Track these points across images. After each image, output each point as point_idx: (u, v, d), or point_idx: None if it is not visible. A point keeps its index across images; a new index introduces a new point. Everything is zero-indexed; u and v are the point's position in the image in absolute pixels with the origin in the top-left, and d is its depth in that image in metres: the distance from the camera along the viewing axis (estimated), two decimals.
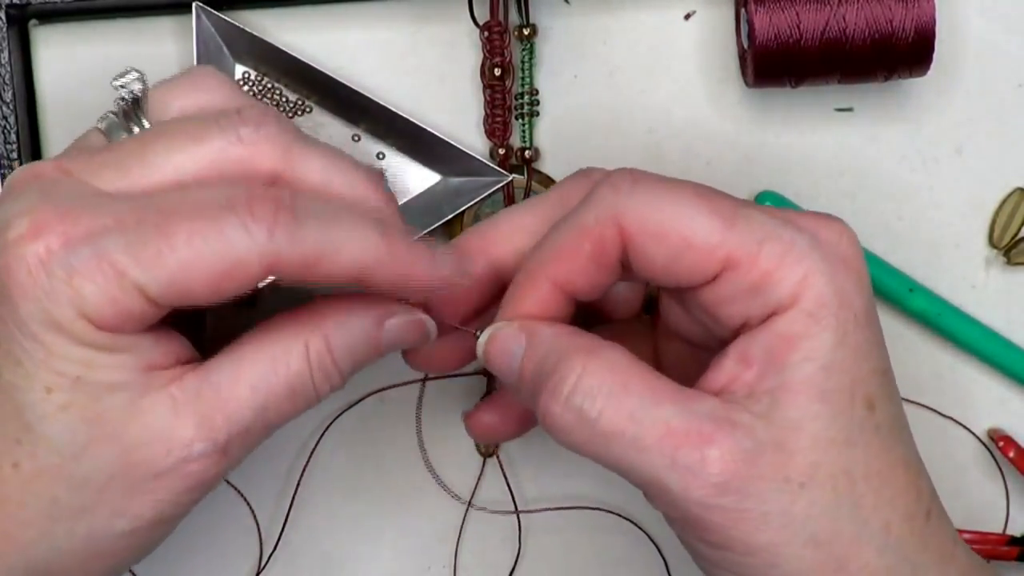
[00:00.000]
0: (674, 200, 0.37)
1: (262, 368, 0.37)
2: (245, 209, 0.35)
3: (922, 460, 0.40)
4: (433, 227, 0.49)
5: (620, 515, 0.51)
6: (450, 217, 0.49)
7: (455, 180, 0.50)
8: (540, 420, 0.38)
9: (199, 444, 0.36)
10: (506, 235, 0.42)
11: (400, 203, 0.50)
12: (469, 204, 0.49)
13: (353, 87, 0.49)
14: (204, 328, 0.45)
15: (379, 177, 0.40)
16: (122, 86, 0.39)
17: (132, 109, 0.39)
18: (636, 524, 0.51)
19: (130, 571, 0.51)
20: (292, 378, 0.37)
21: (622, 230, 0.37)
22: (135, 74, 0.39)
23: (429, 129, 0.49)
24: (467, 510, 0.52)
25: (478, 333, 0.40)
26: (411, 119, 0.49)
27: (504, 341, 0.39)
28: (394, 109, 0.49)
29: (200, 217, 0.35)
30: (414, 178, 0.50)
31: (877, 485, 0.37)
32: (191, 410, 0.36)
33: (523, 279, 0.40)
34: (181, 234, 0.34)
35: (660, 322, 0.44)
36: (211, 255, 0.35)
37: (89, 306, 0.34)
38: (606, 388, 0.36)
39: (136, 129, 0.39)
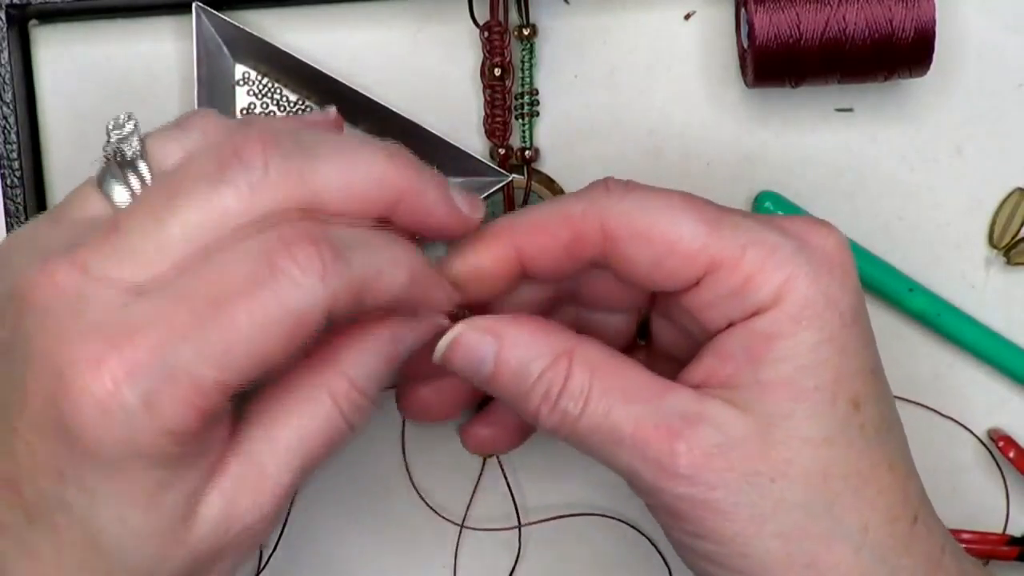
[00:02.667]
0: (660, 204, 0.38)
1: (295, 431, 0.37)
2: (289, 262, 0.33)
3: (914, 464, 0.40)
4: None
5: (620, 519, 0.51)
6: None
7: (455, 180, 0.50)
8: (529, 419, 0.38)
9: (250, 517, 0.36)
10: (537, 225, 0.40)
11: None
12: None
13: (353, 87, 0.49)
14: None
15: (396, 154, 0.37)
16: (120, 140, 0.36)
17: (129, 159, 0.36)
18: (637, 529, 0.51)
19: None
20: (326, 428, 0.37)
21: (606, 231, 0.38)
22: (132, 124, 0.36)
23: (429, 129, 0.49)
24: (467, 511, 0.52)
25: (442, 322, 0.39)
26: (411, 119, 0.49)
27: (470, 344, 0.39)
28: (394, 109, 0.49)
29: (250, 287, 0.33)
30: None
31: (856, 485, 0.37)
32: (241, 496, 0.36)
33: (487, 233, 0.39)
34: (240, 314, 0.33)
35: (653, 347, 0.44)
36: (275, 324, 0.33)
37: (171, 423, 0.33)
38: (587, 388, 0.37)
39: (134, 180, 0.36)
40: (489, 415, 0.44)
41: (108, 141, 0.36)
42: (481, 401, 0.46)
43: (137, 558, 0.35)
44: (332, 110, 0.42)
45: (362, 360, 0.37)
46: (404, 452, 0.52)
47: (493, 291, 0.40)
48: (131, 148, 0.36)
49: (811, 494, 0.37)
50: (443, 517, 0.51)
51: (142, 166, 0.36)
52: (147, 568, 0.35)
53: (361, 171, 0.36)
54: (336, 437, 0.37)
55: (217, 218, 0.34)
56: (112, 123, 0.36)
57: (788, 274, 0.37)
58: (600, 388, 0.37)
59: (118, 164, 0.36)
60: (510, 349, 0.38)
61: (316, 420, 0.37)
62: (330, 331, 0.37)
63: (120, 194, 0.36)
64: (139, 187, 0.36)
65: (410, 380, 0.44)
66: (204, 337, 0.33)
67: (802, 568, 0.37)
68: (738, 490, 0.36)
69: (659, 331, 0.43)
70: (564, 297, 0.43)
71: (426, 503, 0.51)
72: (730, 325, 0.38)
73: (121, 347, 0.32)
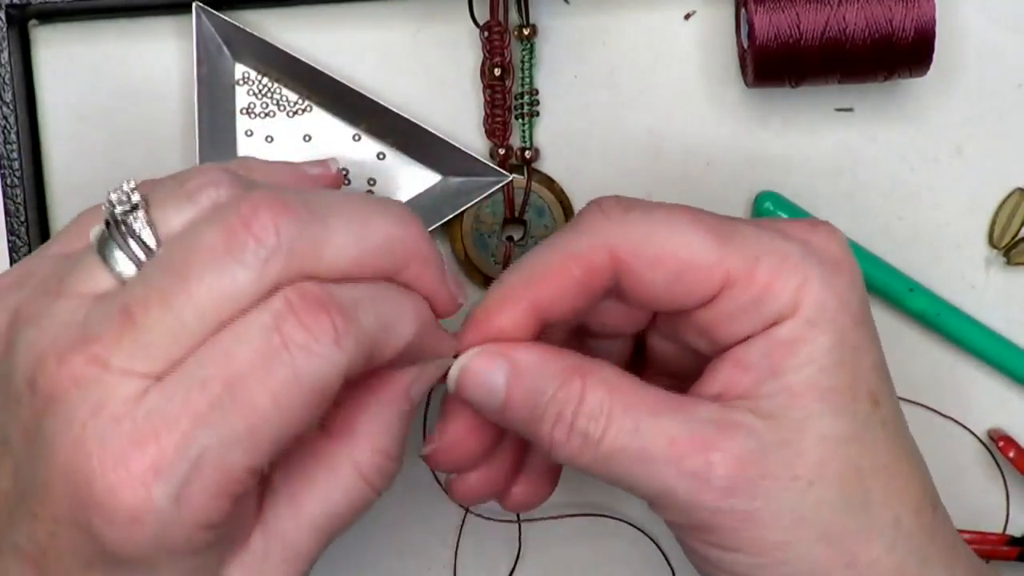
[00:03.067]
0: (667, 224, 0.37)
1: (319, 504, 0.36)
2: (300, 331, 0.32)
3: (921, 455, 0.40)
4: (434, 227, 0.49)
5: (621, 519, 0.51)
6: (450, 217, 0.49)
7: (455, 180, 0.50)
8: (544, 447, 0.37)
9: None
10: (552, 270, 0.39)
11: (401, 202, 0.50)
12: (469, 204, 0.49)
13: (353, 87, 0.49)
14: None
15: (407, 220, 0.36)
16: (125, 211, 0.34)
17: (134, 230, 0.34)
18: (637, 528, 0.51)
19: None
20: (351, 498, 0.37)
21: (615, 258, 0.37)
22: (136, 194, 0.34)
23: (429, 129, 0.49)
24: (467, 511, 0.52)
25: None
26: (411, 119, 0.49)
27: (482, 372, 0.38)
28: (394, 109, 0.49)
29: (264, 364, 0.32)
30: (414, 178, 0.50)
31: (885, 479, 0.37)
32: (263, 567, 0.36)
33: (500, 297, 0.38)
34: (258, 394, 0.32)
35: (647, 364, 0.43)
36: (294, 397, 0.32)
37: (203, 516, 0.32)
38: (607, 407, 0.36)
39: (136, 248, 0.34)
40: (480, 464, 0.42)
41: (110, 207, 0.34)
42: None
43: None
44: (333, 165, 0.42)
45: (382, 424, 0.37)
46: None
47: None
48: (136, 221, 0.34)
49: (847, 493, 0.36)
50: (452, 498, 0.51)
51: (148, 236, 0.34)
52: None
53: (373, 238, 0.34)
54: (361, 504, 0.37)
55: (230, 298, 0.32)
56: (115, 193, 0.34)
57: (801, 280, 0.36)
58: (622, 405, 0.36)
59: (120, 234, 0.34)
60: (521, 373, 0.38)
61: (341, 492, 0.36)
62: (346, 393, 0.36)
63: (124, 264, 0.34)
64: (143, 255, 0.34)
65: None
66: (226, 423, 0.32)
67: (842, 568, 0.36)
68: (777, 497, 0.36)
69: (656, 350, 0.42)
70: (569, 332, 0.42)
71: (444, 482, 0.51)
72: (748, 337, 0.37)
73: (145, 446, 0.31)
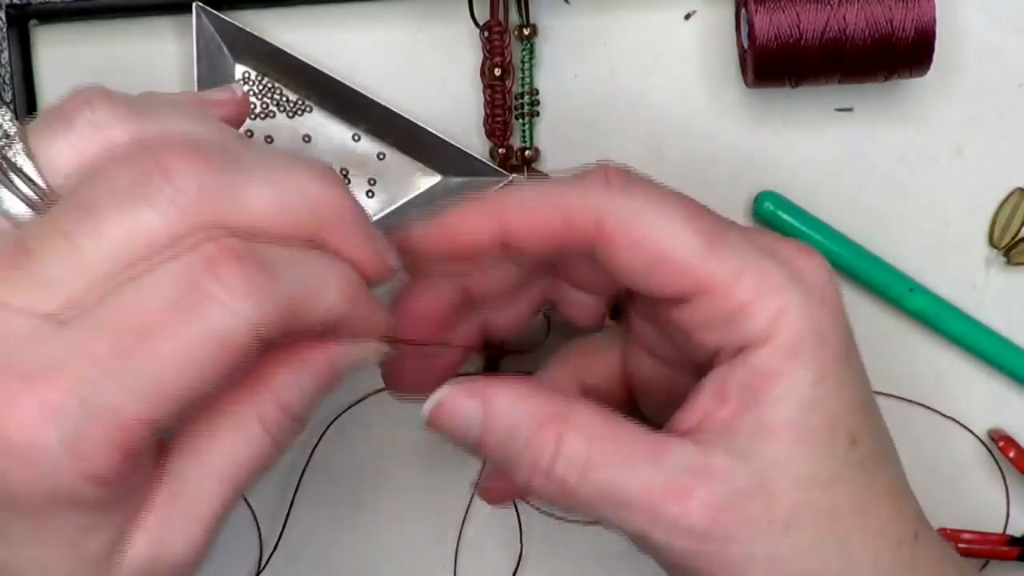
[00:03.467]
0: (661, 212, 0.37)
1: (224, 458, 0.34)
2: (214, 283, 0.31)
3: (907, 482, 0.39)
4: None
5: None
6: None
7: (455, 180, 0.50)
8: (520, 488, 0.37)
9: (180, 552, 0.34)
10: (527, 204, 0.38)
11: (400, 203, 0.50)
12: None
13: (353, 87, 0.49)
14: None
15: (328, 175, 0.34)
16: (2, 141, 0.33)
17: (15, 163, 0.33)
18: None
19: None
20: (256, 453, 0.35)
21: (600, 228, 0.37)
22: (11, 123, 0.33)
23: (429, 129, 0.49)
24: (467, 511, 0.52)
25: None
26: (411, 119, 0.49)
27: (455, 409, 0.37)
28: (394, 109, 0.49)
29: (174, 314, 0.31)
30: (414, 178, 0.50)
31: (863, 519, 0.37)
32: (169, 532, 0.34)
33: (475, 205, 0.37)
34: (164, 344, 0.30)
35: (630, 335, 0.43)
36: (202, 351, 0.31)
37: (95, 466, 0.31)
38: (584, 455, 0.36)
39: (22, 185, 0.33)
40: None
41: None
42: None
43: None
44: (238, 89, 0.39)
45: (295, 386, 0.35)
46: (404, 452, 0.52)
47: (467, 260, 0.38)
48: (14, 151, 0.33)
49: (824, 535, 0.36)
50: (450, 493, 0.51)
51: (30, 169, 0.33)
52: None
53: (293, 192, 0.33)
54: (266, 461, 0.35)
55: (138, 240, 0.31)
56: None
57: (781, 305, 0.36)
58: (600, 454, 0.36)
59: (3, 171, 0.33)
60: (497, 415, 0.37)
61: (246, 446, 0.34)
62: (261, 352, 0.34)
63: (13, 204, 0.33)
64: (31, 193, 0.33)
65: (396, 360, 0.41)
66: (127, 371, 0.30)
67: None
68: (753, 542, 0.35)
69: (638, 325, 0.42)
70: (539, 270, 0.42)
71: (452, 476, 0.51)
72: (719, 350, 0.37)
73: (38, 386, 0.30)
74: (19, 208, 0.33)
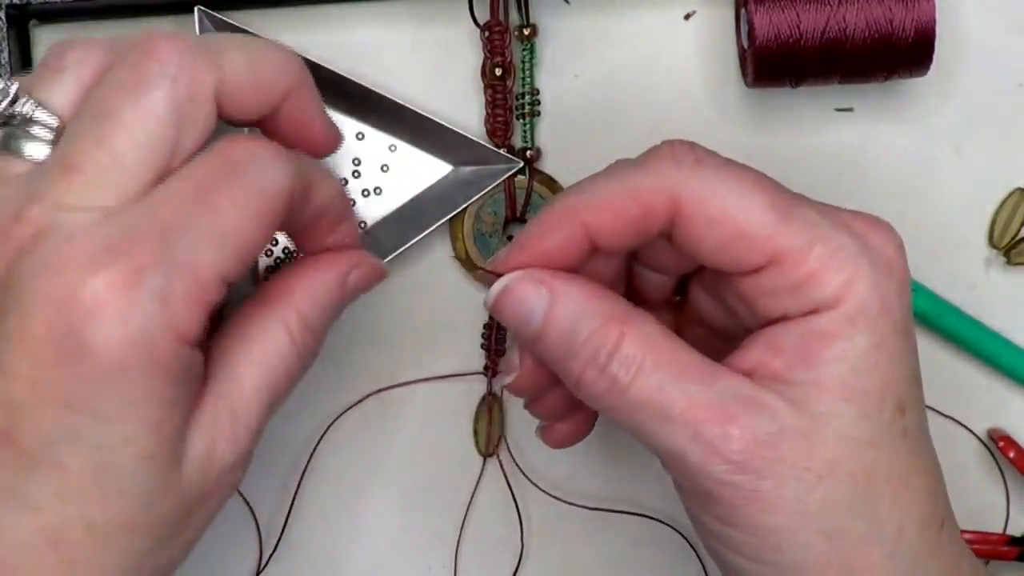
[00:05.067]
0: (734, 187, 0.37)
1: (258, 366, 0.38)
2: (247, 152, 0.36)
3: (941, 469, 0.39)
4: (447, 218, 0.49)
5: (631, 513, 0.52)
6: (464, 207, 0.49)
7: (466, 169, 0.50)
8: (571, 382, 0.38)
9: (231, 456, 0.37)
10: (608, 200, 0.39)
11: (413, 196, 0.50)
12: (481, 193, 0.49)
13: (356, 80, 0.49)
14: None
15: (285, 48, 0.40)
16: (9, 103, 0.36)
17: (28, 117, 0.37)
18: (655, 519, 0.51)
19: None
20: (285, 362, 0.39)
21: (676, 206, 0.37)
22: (12, 85, 0.37)
23: (436, 119, 0.49)
24: (467, 510, 0.52)
25: (485, 268, 0.39)
26: (418, 110, 0.49)
27: (523, 295, 0.38)
28: (401, 102, 0.49)
29: (223, 179, 0.36)
30: (425, 169, 0.50)
31: (897, 489, 0.37)
32: (219, 434, 0.37)
33: (554, 215, 0.38)
34: (222, 202, 0.35)
35: (687, 307, 0.44)
36: (253, 205, 0.36)
37: (185, 322, 0.34)
38: (640, 358, 0.37)
39: (40, 131, 0.37)
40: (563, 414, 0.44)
41: (6, 114, 0.37)
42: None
43: (139, 490, 0.35)
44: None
45: (313, 296, 0.39)
46: (404, 452, 0.52)
47: (566, 270, 0.39)
48: (23, 107, 0.37)
49: (855, 495, 0.36)
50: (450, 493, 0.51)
51: (41, 115, 0.37)
52: (145, 502, 0.35)
53: (262, 57, 0.38)
54: (293, 370, 0.39)
55: (155, 119, 0.35)
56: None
57: (850, 275, 0.36)
58: (653, 360, 0.37)
59: (16, 126, 0.37)
60: (562, 306, 0.38)
61: (274, 353, 0.38)
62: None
63: (36, 149, 0.37)
64: (50, 136, 0.37)
65: (548, 420, 0.44)
66: (198, 228, 0.34)
67: (838, 568, 0.36)
68: (786, 483, 0.36)
69: (697, 296, 0.43)
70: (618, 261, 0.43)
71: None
72: (783, 317, 0.37)
73: (124, 252, 0.33)
74: (43, 151, 0.37)
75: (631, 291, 0.43)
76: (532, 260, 0.39)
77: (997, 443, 0.51)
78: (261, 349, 0.38)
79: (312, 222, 0.40)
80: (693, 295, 0.43)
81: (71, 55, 0.38)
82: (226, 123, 0.38)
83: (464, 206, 0.49)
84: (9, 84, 0.37)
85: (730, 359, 0.38)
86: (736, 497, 0.36)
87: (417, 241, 0.49)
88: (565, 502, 0.51)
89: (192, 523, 0.37)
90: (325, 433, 0.51)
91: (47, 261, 0.34)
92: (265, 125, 0.40)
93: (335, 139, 0.42)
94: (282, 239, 0.50)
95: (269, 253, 0.50)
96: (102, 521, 0.35)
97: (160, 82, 0.36)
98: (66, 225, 0.34)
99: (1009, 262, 0.51)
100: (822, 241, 0.37)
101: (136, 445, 0.34)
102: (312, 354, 0.40)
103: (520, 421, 0.51)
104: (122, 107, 0.35)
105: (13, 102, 0.36)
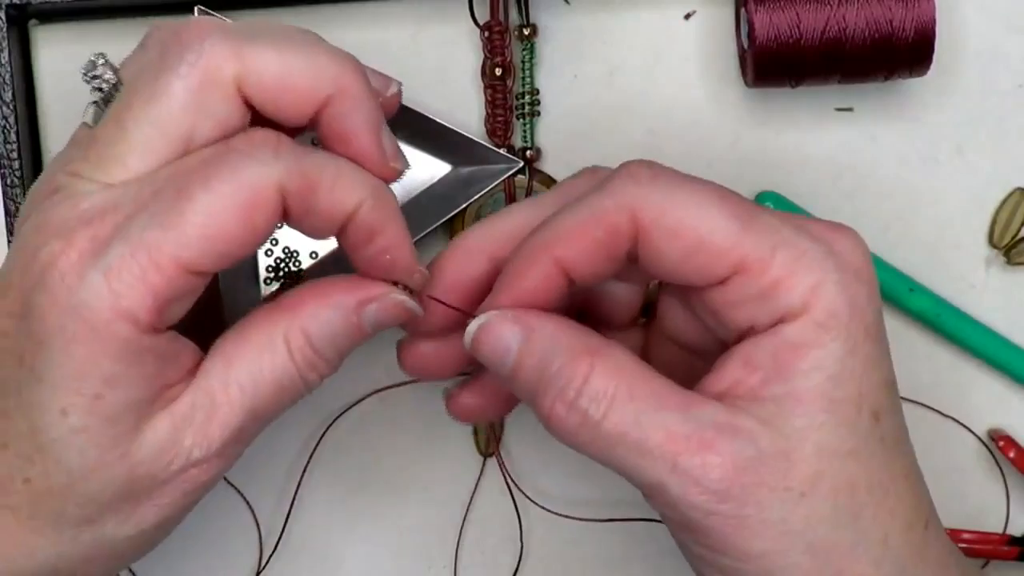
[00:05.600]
0: (693, 198, 0.37)
1: (248, 367, 0.37)
2: (246, 142, 0.36)
3: (920, 470, 0.39)
4: (446, 218, 0.49)
5: (632, 519, 0.52)
6: (464, 207, 0.49)
7: (465, 169, 0.50)
8: (542, 419, 0.37)
9: (197, 452, 0.37)
10: (508, 233, 0.41)
11: (413, 195, 0.50)
12: (481, 193, 0.49)
13: None
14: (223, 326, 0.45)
15: (340, 54, 0.38)
16: (94, 76, 0.38)
17: (112, 95, 0.38)
18: (648, 520, 0.52)
19: (131, 571, 0.51)
20: (278, 373, 0.38)
21: (637, 222, 0.37)
22: (103, 61, 0.38)
23: (436, 119, 0.49)
24: (467, 510, 0.52)
25: (470, 320, 0.39)
26: (418, 110, 0.49)
27: (498, 333, 0.38)
28: (401, 101, 0.49)
29: (207, 165, 0.35)
30: (425, 169, 0.50)
31: (879, 496, 0.37)
32: (188, 423, 0.37)
33: (525, 256, 0.39)
34: (196, 185, 0.35)
35: (655, 326, 0.43)
36: (230, 194, 0.35)
37: (129, 302, 0.34)
38: (611, 391, 0.36)
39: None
40: (476, 383, 0.43)
41: (88, 83, 0.38)
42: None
43: (75, 459, 0.36)
44: (396, 86, 0.42)
45: (321, 316, 0.38)
46: (404, 452, 0.52)
47: (546, 308, 0.39)
48: (106, 82, 0.38)
49: (839, 507, 0.36)
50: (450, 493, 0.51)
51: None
52: (83, 472, 0.36)
53: (298, 56, 0.37)
54: (288, 387, 0.38)
55: (168, 101, 0.36)
56: (84, 68, 0.38)
57: (816, 280, 0.36)
58: (627, 392, 0.36)
59: (103, 100, 0.38)
60: (535, 342, 0.38)
61: (270, 364, 0.38)
62: (298, 289, 0.39)
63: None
64: None
65: (413, 336, 0.43)
66: (162, 208, 0.35)
67: None
68: (769, 506, 0.36)
69: (667, 314, 0.42)
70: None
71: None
72: (752, 327, 0.37)
73: (90, 223, 0.35)
74: None
75: (597, 315, 0.43)
76: (512, 304, 0.39)
77: (997, 443, 0.51)
78: (255, 355, 0.38)
79: (327, 227, 0.38)
80: (663, 313, 0.43)
81: (154, 33, 0.38)
82: (274, 123, 0.38)
83: (464, 206, 0.49)
84: (100, 61, 0.38)
85: (707, 380, 0.38)
86: (721, 525, 0.36)
87: (417, 241, 0.49)
88: (562, 515, 0.51)
89: (145, 507, 0.37)
90: (325, 433, 0.51)
91: (39, 219, 0.36)
92: (317, 133, 0.39)
93: (387, 161, 0.39)
94: (282, 239, 0.50)
95: (269, 253, 0.50)
96: (36, 478, 0.36)
97: (177, 65, 0.36)
98: (70, 190, 0.36)
99: (1009, 262, 0.51)
100: (785, 246, 0.36)
101: (72, 416, 0.35)
102: (317, 375, 0.39)
103: (520, 422, 0.51)
104: (141, 86, 0.37)
105: (98, 77, 0.38)
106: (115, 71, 0.38)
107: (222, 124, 0.37)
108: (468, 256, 0.41)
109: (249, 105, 0.37)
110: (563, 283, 0.38)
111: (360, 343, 0.39)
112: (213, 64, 0.36)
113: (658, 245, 0.37)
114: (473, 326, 0.39)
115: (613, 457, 0.37)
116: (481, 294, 0.41)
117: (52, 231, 0.35)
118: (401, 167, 0.39)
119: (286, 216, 0.37)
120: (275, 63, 0.37)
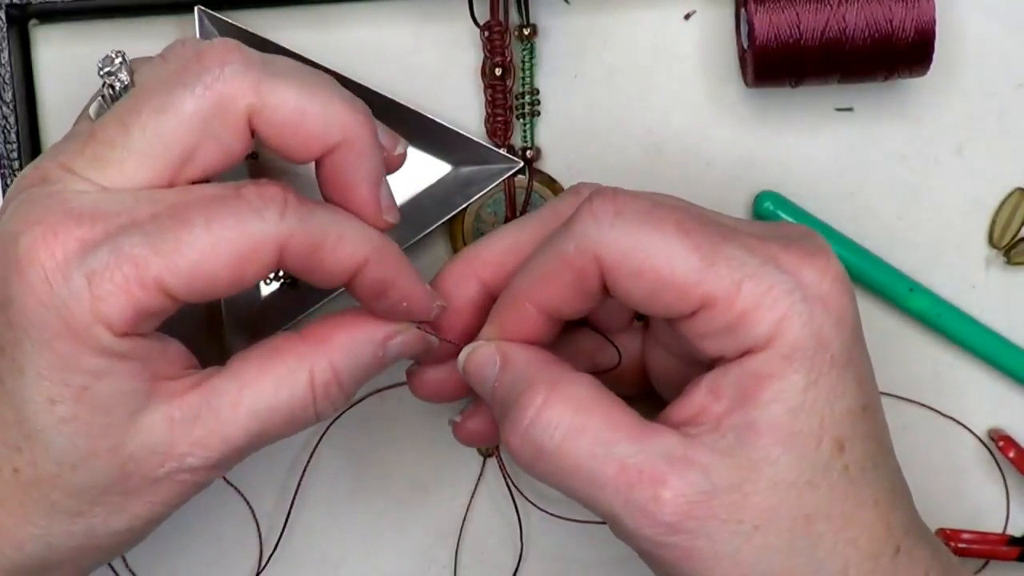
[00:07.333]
0: (654, 236, 0.37)
1: (264, 395, 0.38)
2: (256, 195, 0.36)
3: (904, 490, 0.39)
4: (446, 218, 0.49)
5: None
6: (464, 207, 0.49)
7: (465, 170, 0.50)
8: (503, 447, 0.38)
9: (192, 459, 0.37)
10: (497, 257, 0.42)
11: (412, 196, 0.50)
12: (481, 193, 0.49)
13: (359, 82, 0.49)
14: (222, 337, 0.46)
15: (355, 103, 0.39)
16: (109, 72, 0.38)
17: (120, 96, 0.38)
18: None
19: (131, 572, 0.51)
20: (294, 404, 0.38)
21: (600, 263, 0.37)
22: (121, 60, 0.38)
23: (436, 119, 0.49)
24: (467, 510, 0.52)
25: (453, 342, 0.41)
26: (418, 110, 0.49)
27: (480, 361, 0.40)
28: (401, 102, 0.49)
29: (213, 205, 0.35)
30: (425, 169, 0.50)
31: (839, 526, 0.37)
32: (188, 430, 0.37)
33: (507, 300, 0.40)
34: (198, 222, 0.35)
35: (650, 331, 0.44)
36: (228, 241, 0.35)
37: (108, 309, 0.34)
38: (565, 423, 0.37)
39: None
40: (479, 410, 0.44)
41: (101, 77, 0.38)
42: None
43: (65, 449, 0.36)
44: (401, 146, 0.42)
45: (351, 353, 0.39)
46: (404, 452, 0.52)
47: (536, 341, 0.41)
48: (119, 81, 0.38)
49: (794, 539, 0.36)
50: (450, 492, 0.51)
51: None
52: (73, 462, 0.36)
53: (316, 100, 0.37)
54: (299, 418, 0.38)
55: (176, 118, 0.36)
56: (101, 62, 0.38)
57: (782, 313, 0.36)
58: (581, 424, 0.37)
59: (111, 97, 0.38)
60: (507, 371, 0.39)
61: (287, 397, 0.38)
62: (325, 319, 0.39)
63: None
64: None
65: (423, 364, 0.44)
66: (159, 232, 0.35)
67: None
68: (720, 539, 0.36)
69: (656, 325, 0.43)
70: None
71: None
72: (721, 357, 0.37)
73: (83, 223, 0.35)
74: None
75: (595, 319, 0.44)
76: (502, 336, 0.40)
77: (997, 443, 0.51)
78: (273, 388, 0.38)
79: (332, 282, 0.38)
80: (653, 325, 0.43)
81: (177, 47, 0.39)
82: (281, 158, 0.38)
83: (464, 206, 0.49)
84: (116, 58, 0.38)
85: (674, 406, 0.38)
86: (673, 557, 0.36)
87: (417, 241, 0.49)
88: (561, 516, 0.51)
89: (136, 502, 0.37)
90: (325, 433, 0.51)
91: (23, 206, 0.36)
92: (317, 174, 0.39)
93: (380, 215, 0.39)
94: None
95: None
96: (24, 468, 0.36)
97: (193, 84, 0.36)
98: (61, 184, 0.36)
99: (1009, 262, 0.51)
100: (751, 280, 0.36)
101: (61, 405, 0.35)
102: (331, 408, 0.39)
103: None
104: (153, 95, 0.36)
105: (111, 74, 0.38)
106: (131, 73, 0.38)
107: (225, 150, 0.37)
108: (458, 284, 0.42)
109: (254, 134, 0.37)
110: (546, 320, 0.40)
111: (374, 377, 0.40)
112: (229, 91, 0.36)
113: (623, 285, 0.37)
114: (465, 351, 0.41)
115: (569, 488, 0.37)
116: (475, 319, 0.42)
117: (36, 221, 0.35)
118: (394, 220, 0.40)
119: (289, 270, 0.37)
120: (291, 103, 0.37)
